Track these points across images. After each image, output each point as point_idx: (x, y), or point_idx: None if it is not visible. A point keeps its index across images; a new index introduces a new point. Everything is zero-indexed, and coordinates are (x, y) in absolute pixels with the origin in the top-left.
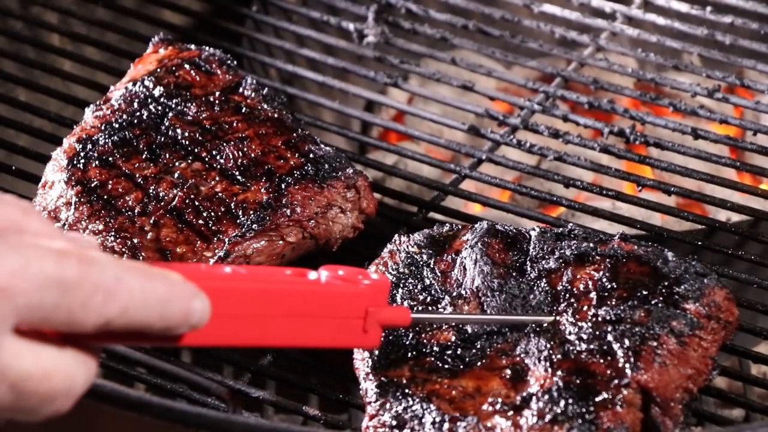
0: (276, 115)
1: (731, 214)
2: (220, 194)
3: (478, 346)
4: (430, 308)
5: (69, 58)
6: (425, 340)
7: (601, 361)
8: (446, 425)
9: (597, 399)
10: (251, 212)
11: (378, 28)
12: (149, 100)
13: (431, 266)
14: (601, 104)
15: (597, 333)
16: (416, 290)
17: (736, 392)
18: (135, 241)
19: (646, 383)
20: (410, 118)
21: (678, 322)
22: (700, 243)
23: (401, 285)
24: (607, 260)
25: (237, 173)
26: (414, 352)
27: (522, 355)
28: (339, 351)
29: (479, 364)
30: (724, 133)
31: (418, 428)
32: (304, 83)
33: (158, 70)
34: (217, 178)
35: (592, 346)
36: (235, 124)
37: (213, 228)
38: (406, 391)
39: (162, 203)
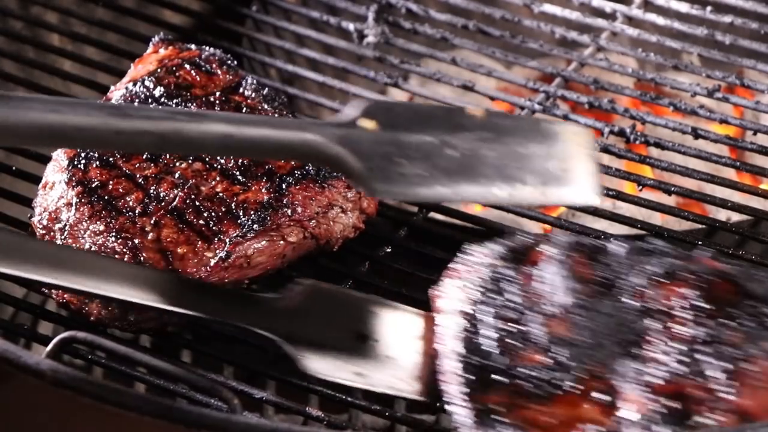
0: (276, 115)
1: (731, 213)
2: (220, 194)
3: (571, 368)
4: (516, 325)
5: (69, 58)
6: (518, 363)
7: (697, 383)
8: None
9: (694, 423)
10: (252, 212)
11: (378, 28)
12: (150, 101)
13: (513, 280)
14: (602, 104)
15: (691, 354)
16: (499, 304)
17: None
18: (136, 241)
19: (745, 407)
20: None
21: None
22: (700, 243)
23: (483, 299)
24: (696, 278)
25: (238, 173)
26: (507, 376)
27: (615, 378)
28: None
29: (572, 388)
30: (724, 133)
31: None
32: (304, 83)
33: (158, 70)
34: (218, 178)
35: (686, 368)
36: None
37: (214, 228)
38: (499, 417)
39: (163, 203)
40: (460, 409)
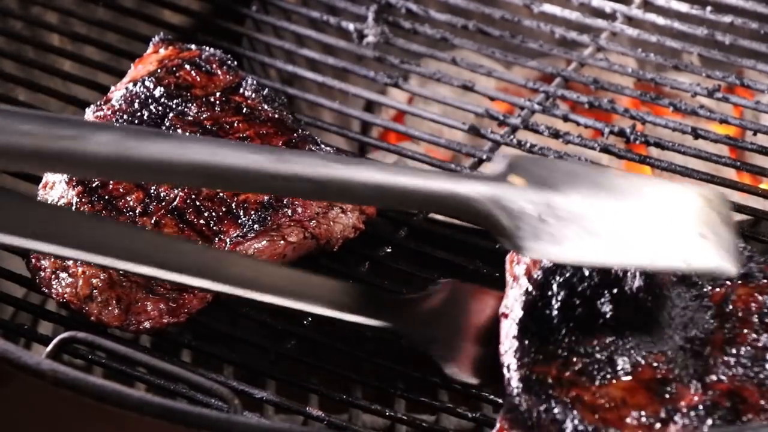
0: (276, 116)
1: (731, 213)
2: (221, 194)
3: (632, 354)
4: (585, 301)
5: (69, 58)
6: (579, 340)
7: (755, 387)
8: None
9: (745, 425)
10: (252, 212)
11: (378, 28)
12: (150, 101)
13: (580, 277)
14: (602, 104)
15: (755, 358)
16: (572, 278)
17: None
18: None
19: None
20: (410, 118)
21: None
22: None
23: (557, 270)
24: None
25: None
26: (566, 351)
27: (675, 370)
28: (340, 352)
29: (630, 373)
30: (724, 133)
31: None
32: (304, 83)
33: (159, 70)
34: None
35: (748, 372)
36: (235, 125)
37: (214, 228)
38: (551, 392)
39: (163, 203)
40: (514, 375)
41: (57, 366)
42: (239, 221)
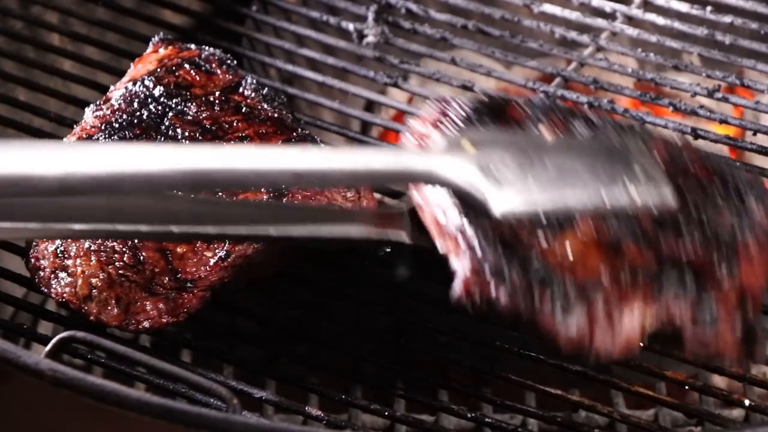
0: (276, 115)
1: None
2: (220, 194)
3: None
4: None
5: (69, 58)
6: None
7: (702, 255)
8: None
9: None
10: None
11: (378, 28)
12: (149, 100)
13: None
14: (601, 104)
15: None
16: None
17: (736, 392)
18: (135, 240)
19: (743, 282)
20: (410, 118)
21: (759, 226)
22: None
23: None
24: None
25: None
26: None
27: (626, 233)
28: (341, 351)
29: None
30: (724, 133)
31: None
32: (304, 83)
33: (158, 69)
34: None
35: (689, 239)
36: (235, 124)
37: None
38: (511, 247)
39: None
40: (471, 239)
41: (56, 365)
42: None
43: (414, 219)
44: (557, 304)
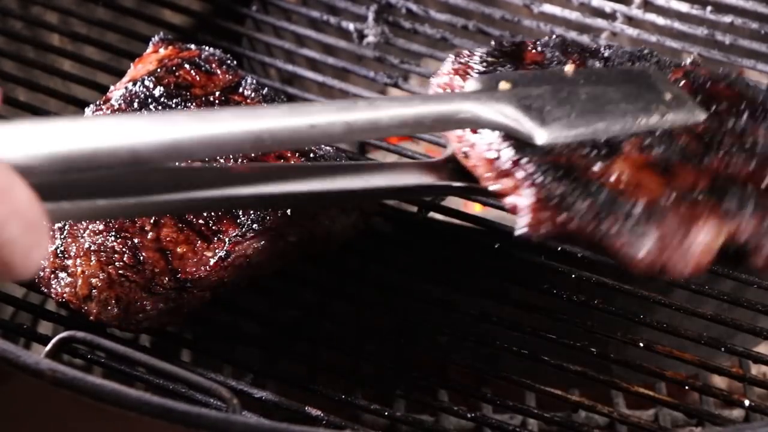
0: None
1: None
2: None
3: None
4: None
5: (69, 58)
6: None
7: (754, 169)
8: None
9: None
10: (251, 212)
11: (378, 28)
12: (149, 100)
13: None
14: None
15: (735, 145)
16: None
17: (736, 392)
18: (135, 240)
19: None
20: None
21: None
22: None
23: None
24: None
25: None
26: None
27: (663, 152)
28: (341, 351)
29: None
30: None
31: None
32: (304, 83)
33: (158, 69)
34: None
35: (736, 155)
36: None
37: (213, 228)
38: (568, 173)
39: None
40: (529, 167)
41: (56, 365)
42: (238, 221)
43: (456, 167)
44: (627, 226)
